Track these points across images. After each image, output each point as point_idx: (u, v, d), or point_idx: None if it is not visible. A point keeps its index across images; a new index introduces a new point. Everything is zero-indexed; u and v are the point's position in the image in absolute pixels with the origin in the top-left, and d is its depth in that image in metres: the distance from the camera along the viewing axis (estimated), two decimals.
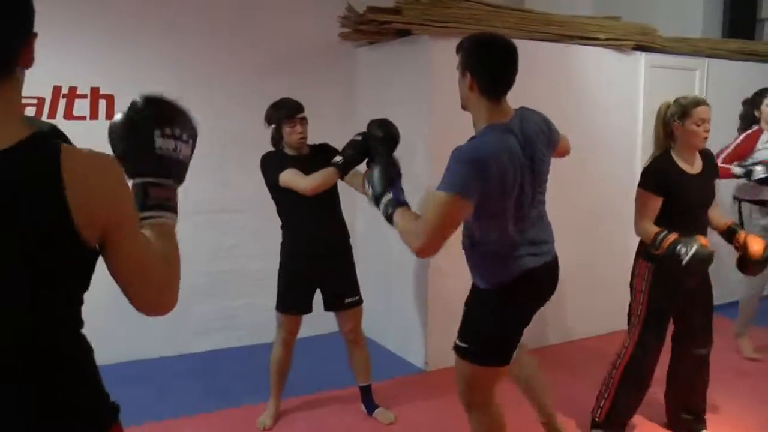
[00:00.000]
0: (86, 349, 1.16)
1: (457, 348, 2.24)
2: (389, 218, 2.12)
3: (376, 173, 2.21)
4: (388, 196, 2.14)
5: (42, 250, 1.01)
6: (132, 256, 1.12)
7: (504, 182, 1.99)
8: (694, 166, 2.83)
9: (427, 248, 1.97)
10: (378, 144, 2.72)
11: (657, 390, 3.09)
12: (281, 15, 4.32)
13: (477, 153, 1.98)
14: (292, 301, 3.18)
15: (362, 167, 2.91)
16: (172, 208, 1.23)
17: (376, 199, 2.18)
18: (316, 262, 3.12)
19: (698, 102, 2.80)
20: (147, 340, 4.04)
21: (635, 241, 2.96)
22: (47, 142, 1.04)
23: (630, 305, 2.97)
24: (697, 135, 2.76)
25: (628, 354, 2.92)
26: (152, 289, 1.16)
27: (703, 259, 2.59)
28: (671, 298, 2.88)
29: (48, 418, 1.06)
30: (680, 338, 3.02)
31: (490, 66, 2.09)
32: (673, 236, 2.65)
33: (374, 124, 2.81)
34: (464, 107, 2.19)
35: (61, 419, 1.08)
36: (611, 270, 4.31)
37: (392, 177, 2.21)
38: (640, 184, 2.87)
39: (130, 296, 1.15)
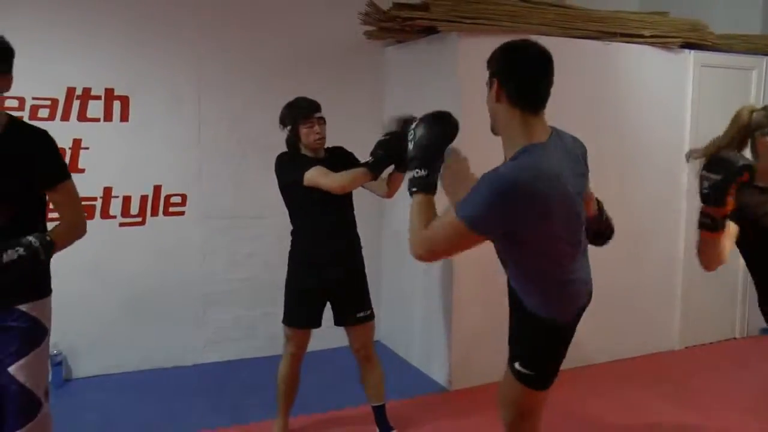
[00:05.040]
0: None
1: (519, 375, 1.98)
2: (411, 193, 1.85)
3: (427, 136, 1.86)
4: (422, 172, 1.83)
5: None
6: None
7: (552, 218, 1.73)
8: None
9: (424, 258, 1.84)
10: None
11: None
12: (303, 11, 4.16)
13: (511, 184, 1.64)
14: (300, 314, 2.98)
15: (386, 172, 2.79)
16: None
17: (411, 162, 1.86)
18: (326, 273, 2.92)
19: None
20: (158, 349, 3.95)
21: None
22: None
23: None
24: None
25: None
26: None
27: None
28: None
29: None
30: None
31: (522, 69, 1.77)
32: None
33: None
34: (493, 129, 1.86)
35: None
36: (654, 289, 4.08)
37: (436, 153, 1.87)
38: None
39: None
